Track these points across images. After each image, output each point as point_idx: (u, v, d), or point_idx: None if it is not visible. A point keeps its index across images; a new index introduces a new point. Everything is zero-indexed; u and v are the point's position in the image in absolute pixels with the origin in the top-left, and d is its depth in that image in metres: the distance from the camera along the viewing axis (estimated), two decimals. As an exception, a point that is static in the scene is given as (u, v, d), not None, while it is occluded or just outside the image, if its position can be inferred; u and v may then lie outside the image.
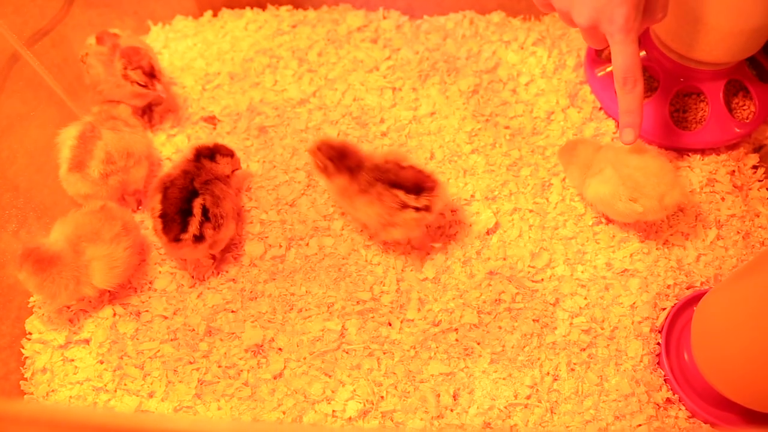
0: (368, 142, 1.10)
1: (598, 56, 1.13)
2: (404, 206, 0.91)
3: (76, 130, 1.00)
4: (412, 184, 0.91)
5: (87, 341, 0.97)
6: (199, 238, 0.92)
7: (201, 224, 0.92)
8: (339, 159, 0.94)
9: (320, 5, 1.27)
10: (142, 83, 1.03)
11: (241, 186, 1.06)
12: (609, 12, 0.80)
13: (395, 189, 0.91)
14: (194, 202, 0.93)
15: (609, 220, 1.02)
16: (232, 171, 1.01)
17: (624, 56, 0.83)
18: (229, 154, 1.00)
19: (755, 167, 1.08)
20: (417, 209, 0.91)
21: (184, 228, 0.92)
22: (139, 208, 1.07)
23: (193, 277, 1.00)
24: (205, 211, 0.93)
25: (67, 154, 0.98)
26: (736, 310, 0.79)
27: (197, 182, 0.94)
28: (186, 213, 0.92)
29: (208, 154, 0.98)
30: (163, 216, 0.92)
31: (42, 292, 0.91)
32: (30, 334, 0.98)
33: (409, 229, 0.94)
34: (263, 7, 1.27)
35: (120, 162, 0.99)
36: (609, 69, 1.09)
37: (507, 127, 1.11)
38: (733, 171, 1.06)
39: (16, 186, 1.01)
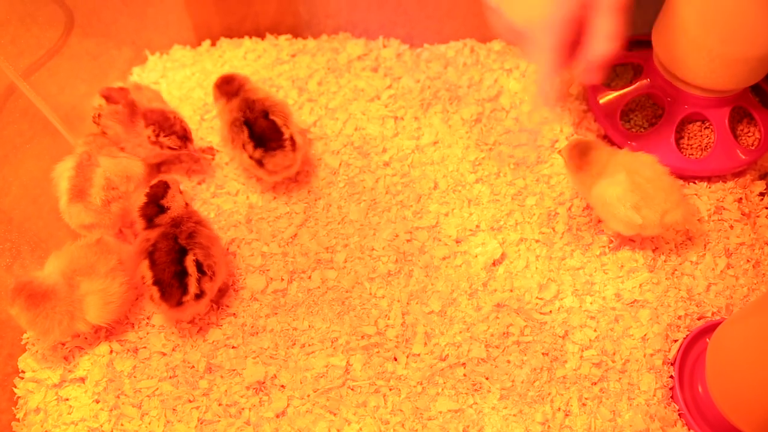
0: (371, 172, 1.08)
1: (600, 83, 1.12)
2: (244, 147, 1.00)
3: (73, 161, 0.98)
4: (259, 135, 0.99)
5: (82, 379, 0.93)
6: (200, 296, 0.89)
7: (199, 281, 0.89)
8: (224, 84, 1.06)
9: (320, 34, 1.26)
10: (176, 147, 1.01)
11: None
12: None
13: (245, 127, 1.00)
14: (186, 261, 0.89)
15: (618, 246, 1.00)
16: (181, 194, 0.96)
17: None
18: (164, 187, 0.94)
19: (762, 194, 1.06)
20: (250, 157, 0.99)
21: (185, 290, 0.88)
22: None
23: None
24: (199, 266, 0.89)
25: (66, 185, 0.96)
26: (753, 342, 0.77)
27: (182, 239, 0.90)
28: (181, 274, 0.88)
29: (155, 212, 0.93)
30: (158, 283, 0.88)
31: (35, 327, 0.87)
32: (23, 372, 0.95)
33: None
34: (262, 36, 1.26)
35: (121, 187, 0.99)
36: (612, 96, 1.09)
37: (511, 156, 1.09)
38: (741, 198, 1.05)
39: (10, 218, 0.99)
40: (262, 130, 0.99)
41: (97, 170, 0.97)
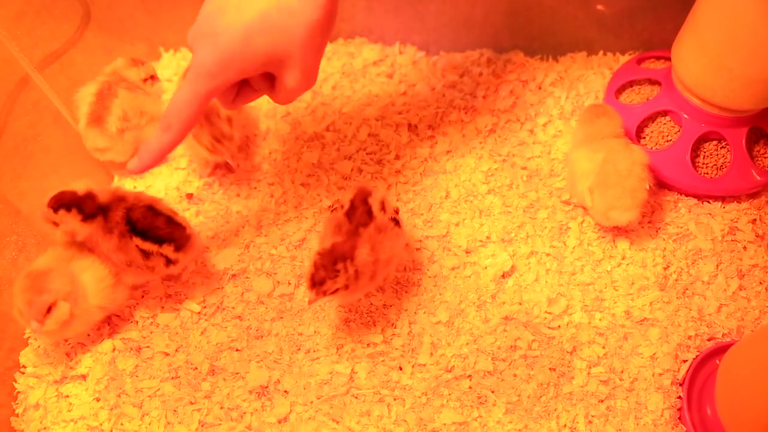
0: (382, 179, 1.07)
1: (617, 98, 1.11)
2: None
3: (95, 87, 1.05)
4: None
5: (84, 377, 0.92)
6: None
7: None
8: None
9: (336, 38, 1.25)
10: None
11: None
12: None
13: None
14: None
15: (628, 262, 0.99)
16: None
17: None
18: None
19: (776, 216, 1.05)
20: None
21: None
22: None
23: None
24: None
25: (86, 110, 1.04)
26: (765, 366, 0.76)
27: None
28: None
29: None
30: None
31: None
32: (24, 367, 0.94)
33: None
34: (277, 38, 1.26)
35: (134, 119, 1.07)
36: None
37: (524, 168, 1.09)
38: (755, 219, 1.04)
39: (18, 210, 0.98)
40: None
41: (115, 101, 1.05)
